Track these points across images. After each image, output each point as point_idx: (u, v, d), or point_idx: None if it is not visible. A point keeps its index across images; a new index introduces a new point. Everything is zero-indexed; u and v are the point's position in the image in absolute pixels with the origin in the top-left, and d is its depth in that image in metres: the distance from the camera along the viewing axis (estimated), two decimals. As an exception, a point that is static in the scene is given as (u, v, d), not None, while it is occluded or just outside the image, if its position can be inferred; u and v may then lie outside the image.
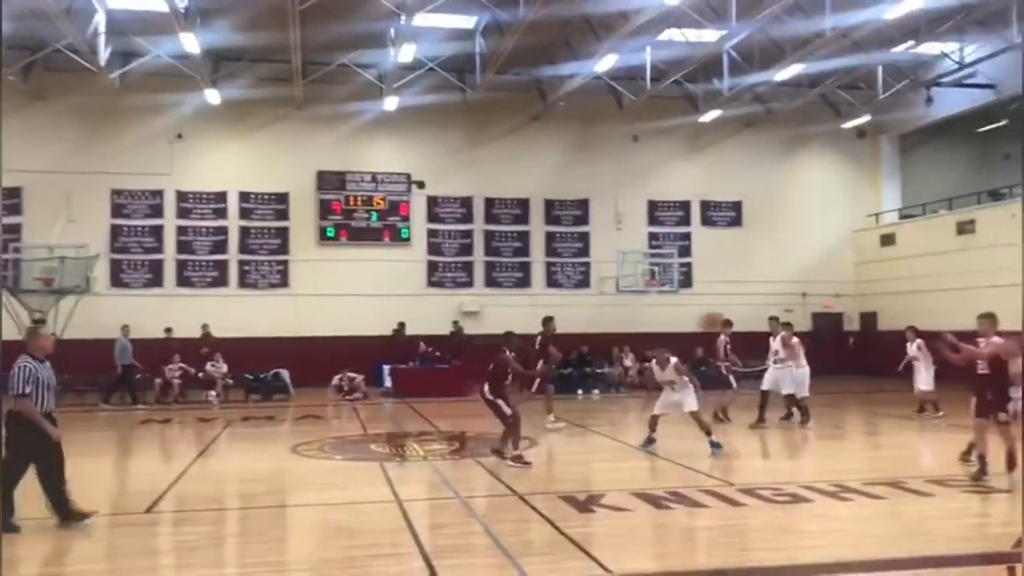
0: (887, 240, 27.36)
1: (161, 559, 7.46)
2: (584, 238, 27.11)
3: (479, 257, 26.46)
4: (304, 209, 25.37)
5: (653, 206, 27.56)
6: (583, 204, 27.14)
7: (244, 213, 25.13)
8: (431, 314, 24.90)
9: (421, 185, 26.06)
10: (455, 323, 24.99)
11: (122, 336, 20.23)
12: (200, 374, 20.89)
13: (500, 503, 9.19)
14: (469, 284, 26.28)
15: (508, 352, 11.49)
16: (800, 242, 27.92)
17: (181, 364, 20.69)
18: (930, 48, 23.57)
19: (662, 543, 7.73)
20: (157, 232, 24.55)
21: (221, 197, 24.97)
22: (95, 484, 8.00)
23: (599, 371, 23.47)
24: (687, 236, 27.65)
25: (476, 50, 23.17)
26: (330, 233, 25.37)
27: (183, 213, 24.74)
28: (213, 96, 23.48)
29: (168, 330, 21.78)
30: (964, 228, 24.01)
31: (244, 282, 24.98)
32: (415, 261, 25.89)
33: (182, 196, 24.72)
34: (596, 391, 22.69)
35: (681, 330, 24.00)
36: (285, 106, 24.75)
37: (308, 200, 25.42)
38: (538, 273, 26.77)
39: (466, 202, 26.45)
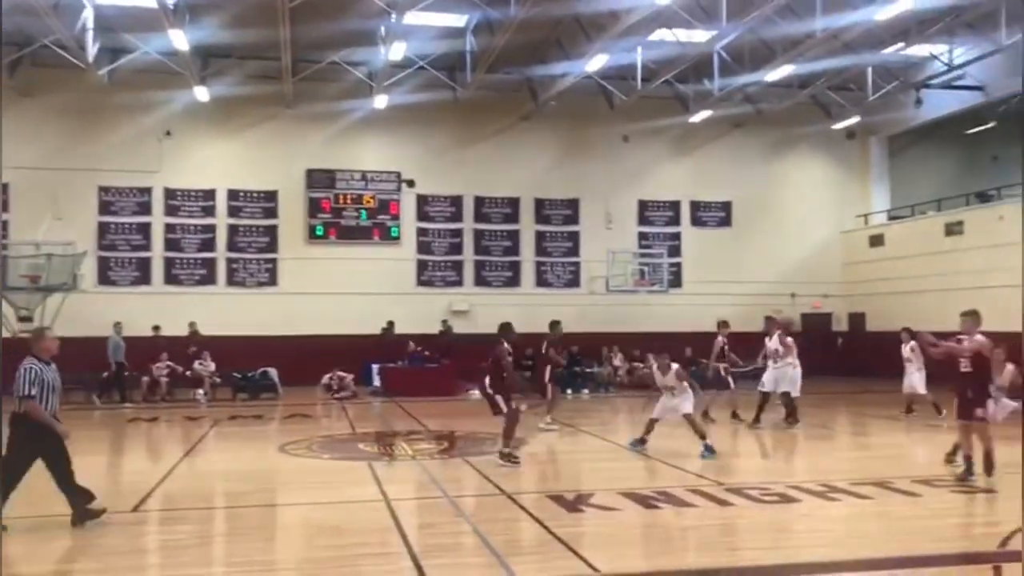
0: (876, 241, 27.46)
1: (148, 558, 7.42)
2: (574, 238, 27.10)
3: (469, 256, 26.41)
4: (293, 207, 25.26)
5: (643, 206, 27.58)
6: (573, 204, 27.14)
7: (233, 211, 25.00)
8: (420, 313, 24.83)
9: (411, 184, 26.00)
10: (444, 322, 24.93)
11: (115, 333, 20.15)
12: (188, 372, 20.79)
13: (489, 502, 9.18)
14: (459, 283, 26.23)
15: (505, 344, 11.45)
16: (789, 243, 28.01)
17: (169, 362, 20.59)
18: (920, 50, 23.65)
19: (651, 543, 7.74)
20: (145, 230, 24.40)
21: (210, 195, 24.84)
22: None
23: (588, 371, 23.48)
24: (677, 236, 27.69)
25: (467, 49, 23.09)
26: (319, 231, 25.27)
27: (171, 211, 24.59)
28: (202, 93, 23.37)
29: (156, 328, 21.69)
30: (952, 229, 24.12)
31: (232, 280, 24.85)
32: (405, 260, 25.82)
33: (170, 194, 24.58)
34: (585, 391, 22.68)
35: (670, 329, 23.98)
36: (274, 104, 24.65)
37: (297, 198, 25.31)
38: (528, 272, 26.74)
39: (456, 201, 26.40)
